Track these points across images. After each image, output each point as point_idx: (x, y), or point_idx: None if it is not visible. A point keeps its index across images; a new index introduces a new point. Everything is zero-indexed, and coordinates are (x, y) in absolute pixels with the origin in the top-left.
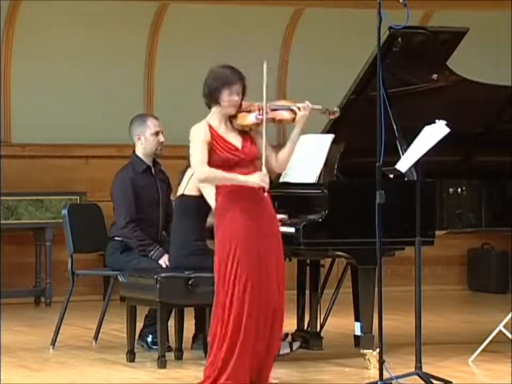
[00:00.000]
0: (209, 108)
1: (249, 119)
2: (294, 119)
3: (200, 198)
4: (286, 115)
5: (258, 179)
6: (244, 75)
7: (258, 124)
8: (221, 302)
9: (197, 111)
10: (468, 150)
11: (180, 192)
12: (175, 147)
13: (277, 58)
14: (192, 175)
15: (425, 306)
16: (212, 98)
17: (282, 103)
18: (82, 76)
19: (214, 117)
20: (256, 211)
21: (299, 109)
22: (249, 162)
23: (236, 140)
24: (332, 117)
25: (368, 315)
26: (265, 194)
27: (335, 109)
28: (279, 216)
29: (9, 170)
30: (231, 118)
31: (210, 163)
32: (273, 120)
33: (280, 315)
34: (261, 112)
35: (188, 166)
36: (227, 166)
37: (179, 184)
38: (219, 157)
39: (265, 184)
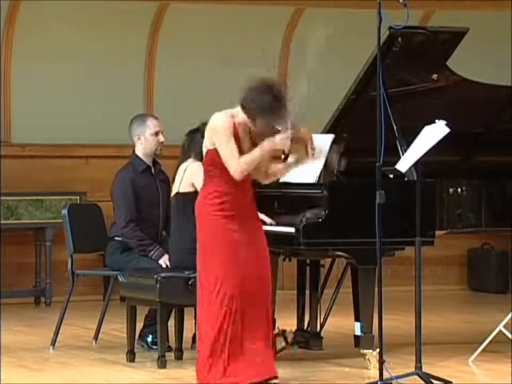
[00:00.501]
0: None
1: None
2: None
3: (196, 193)
4: (297, 152)
5: (282, 139)
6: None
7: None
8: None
9: (197, 111)
10: (468, 150)
11: (174, 191)
12: (175, 147)
13: (277, 59)
14: (184, 171)
15: (425, 306)
16: (249, 113)
17: (303, 133)
18: (82, 76)
19: (240, 116)
20: (240, 211)
21: (312, 153)
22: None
23: (247, 146)
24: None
25: (368, 315)
26: (283, 157)
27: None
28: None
29: (9, 170)
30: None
31: (214, 160)
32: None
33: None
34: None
35: (181, 162)
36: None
37: (173, 180)
38: None
39: (286, 146)
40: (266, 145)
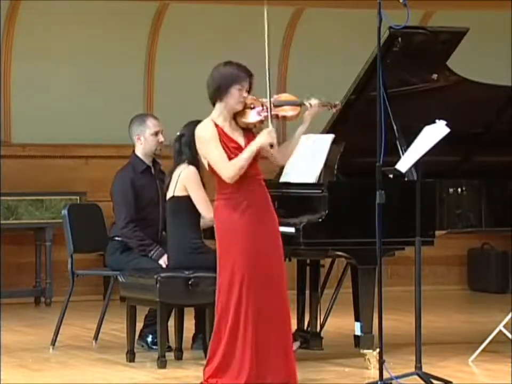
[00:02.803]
0: (214, 105)
1: (253, 116)
2: (297, 116)
3: (189, 197)
4: (289, 112)
5: (267, 136)
6: (251, 71)
7: (262, 121)
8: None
9: (197, 111)
10: (468, 150)
11: (169, 195)
12: None
13: (277, 58)
14: (179, 175)
15: (425, 306)
16: (220, 95)
17: (285, 97)
18: (82, 76)
19: (219, 114)
20: (259, 209)
21: (310, 105)
22: (255, 161)
23: (240, 138)
24: (334, 109)
25: (368, 315)
26: (276, 148)
27: (337, 102)
28: None
29: (9, 170)
30: (235, 116)
31: None
32: (277, 116)
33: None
34: (264, 108)
35: (175, 166)
36: None
37: (168, 185)
38: None
39: (274, 139)
40: (253, 145)
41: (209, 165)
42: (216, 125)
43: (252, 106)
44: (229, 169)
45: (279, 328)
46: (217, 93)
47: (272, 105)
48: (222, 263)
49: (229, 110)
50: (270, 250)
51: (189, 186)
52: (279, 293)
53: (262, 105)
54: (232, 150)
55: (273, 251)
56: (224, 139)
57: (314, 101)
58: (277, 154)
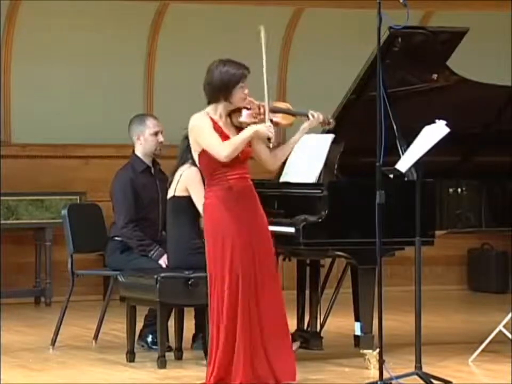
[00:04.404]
0: (210, 103)
1: (248, 117)
2: (290, 125)
3: (190, 198)
4: (283, 120)
5: (266, 128)
6: (247, 66)
7: (256, 123)
8: (215, 304)
9: (197, 110)
10: (468, 150)
11: (170, 195)
12: (175, 147)
13: (277, 58)
14: (180, 176)
15: (425, 306)
16: (223, 95)
17: (281, 105)
18: (82, 76)
19: (215, 111)
20: (247, 207)
21: (312, 116)
22: (243, 161)
23: (233, 135)
24: (327, 127)
25: (368, 315)
26: (271, 145)
27: (331, 119)
28: None
29: (9, 170)
30: (230, 114)
31: (210, 160)
32: (271, 122)
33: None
34: (261, 111)
35: (178, 166)
36: (225, 163)
37: (170, 185)
38: None
39: (272, 134)
40: (250, 129)
41: (199, 158)
42: (212, 119)
43: (249, 107)
44: (225, 147)
45: (276, 326)
46: (219, 94)
47: (268, 110)
48: (211, 256)
49: (229, 108)
50: (259, 246)
51: (190, 187)
52: (271, 288)
53: (259, 108)
54: None
55: (263, 247)
56: (218, 133)
57: (318, 114)
58: (269, 158)
